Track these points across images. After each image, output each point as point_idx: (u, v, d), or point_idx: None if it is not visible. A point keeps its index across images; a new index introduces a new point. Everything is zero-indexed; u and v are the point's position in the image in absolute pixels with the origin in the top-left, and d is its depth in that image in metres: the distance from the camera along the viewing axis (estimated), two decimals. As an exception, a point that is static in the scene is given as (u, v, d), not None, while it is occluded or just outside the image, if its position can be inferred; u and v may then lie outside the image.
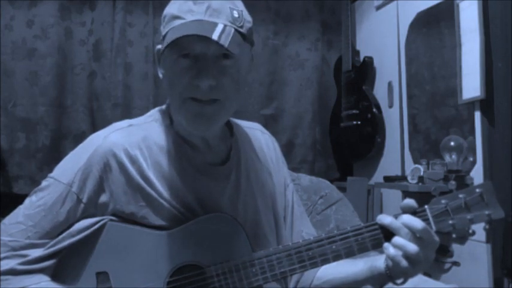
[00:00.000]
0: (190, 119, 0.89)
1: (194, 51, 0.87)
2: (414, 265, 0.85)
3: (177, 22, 0.87)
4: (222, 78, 0.88)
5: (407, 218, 0.87)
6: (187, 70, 0.88)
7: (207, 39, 0.83)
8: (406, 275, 0.89)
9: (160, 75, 0.96)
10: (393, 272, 0.90)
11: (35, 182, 2.51)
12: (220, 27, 0.84)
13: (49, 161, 2.56)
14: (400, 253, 0.85)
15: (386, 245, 0.87)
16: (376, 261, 0.94)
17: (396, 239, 0.86)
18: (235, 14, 0.89)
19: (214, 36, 0.83)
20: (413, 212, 0.90)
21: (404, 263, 0.85)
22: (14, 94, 2.57)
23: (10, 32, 2.57)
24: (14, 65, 2.57)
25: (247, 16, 0.92)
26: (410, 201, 0.91)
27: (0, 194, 2.42)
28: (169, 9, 0.91)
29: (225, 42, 0.83)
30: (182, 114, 0.90)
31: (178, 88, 0.89)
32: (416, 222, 0.86)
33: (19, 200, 0.95)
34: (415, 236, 0.86)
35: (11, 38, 2.57)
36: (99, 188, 0.91)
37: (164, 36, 0.90)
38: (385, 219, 0.89)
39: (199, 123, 0.90)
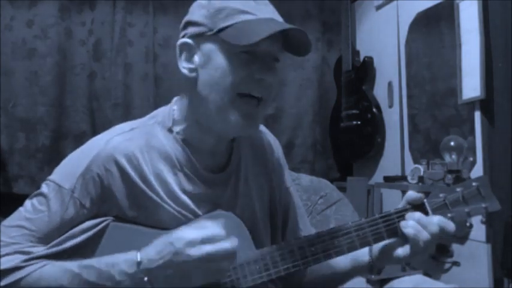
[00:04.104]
0: (241, 118, 0.87)
1: (258, 48, 0.86)
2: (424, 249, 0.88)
3: (248, 16, 0.85)
4: (275, 78, 0.89)
5: (441, 220, 0.89)
6: (247, 64, 0.86)
7: (276, 38, 0.85)
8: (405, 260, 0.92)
9: (185, 71, 0.90)
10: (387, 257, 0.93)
11: (35, 182, 2.51)
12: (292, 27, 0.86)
13: (49, 161, 2.56)
14: (420, 229, 0.88)
15: (403, 223, 0.89)
16: (358, 253, 0.97)
17: (416, 218, 0.89)
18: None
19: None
20: (418, 205, 0.91)
21: (423, 237, 0.87)
22: (14, 94, 2.57)
23: (10, 32, 2.58)
24: (14, 65, 2.58)
25: None
26: (417, 194, 0.93)
27: (0, 194, 2.42)
28: (227, 3, 0.86)
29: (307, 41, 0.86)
30: (231, 113, 0.87)
31: (233, 82, 0.86)
32: (450, 226, 0.89)
33: (19, 200, 0.94)
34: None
35: (11, 38, 2.58)
36: (102, 194, 0.90)
37: (224, 28, 0.85)
38: (413, 216, 0.90)
39: (250, 124, 0.89)
